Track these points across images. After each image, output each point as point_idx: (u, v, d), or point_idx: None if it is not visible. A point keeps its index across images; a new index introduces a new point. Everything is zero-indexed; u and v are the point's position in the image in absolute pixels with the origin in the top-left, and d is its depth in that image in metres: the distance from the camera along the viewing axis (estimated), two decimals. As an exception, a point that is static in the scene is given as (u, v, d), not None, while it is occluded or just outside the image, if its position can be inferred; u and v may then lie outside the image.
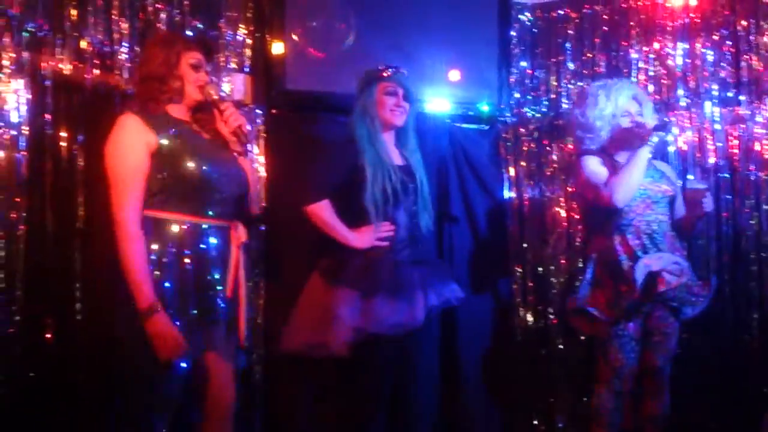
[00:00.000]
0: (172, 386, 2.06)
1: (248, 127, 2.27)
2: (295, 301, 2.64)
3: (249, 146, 2.38)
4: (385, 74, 2.66)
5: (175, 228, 2.07)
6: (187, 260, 2.06)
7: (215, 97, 2.21)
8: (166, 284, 2.03)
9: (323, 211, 2.56)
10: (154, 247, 2.04)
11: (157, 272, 2.02)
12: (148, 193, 2.07)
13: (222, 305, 2.12)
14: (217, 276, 2.11)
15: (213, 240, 2.11)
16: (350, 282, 2.51)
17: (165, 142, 2.08)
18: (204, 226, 2.10)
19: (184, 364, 2.04)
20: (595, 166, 2.69)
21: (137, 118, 2.09)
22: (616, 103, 2.69)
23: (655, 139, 2.60)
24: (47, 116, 2.54)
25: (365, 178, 2.54)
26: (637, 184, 2.59)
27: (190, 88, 2.16)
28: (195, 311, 2.06)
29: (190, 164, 2.08)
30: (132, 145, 2.05)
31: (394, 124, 2.67)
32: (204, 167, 2.10)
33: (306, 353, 2.55)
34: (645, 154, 2.59)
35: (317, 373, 2.90)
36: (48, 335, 2.49)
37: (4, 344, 2.37)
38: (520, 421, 3.36)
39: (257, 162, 3.10)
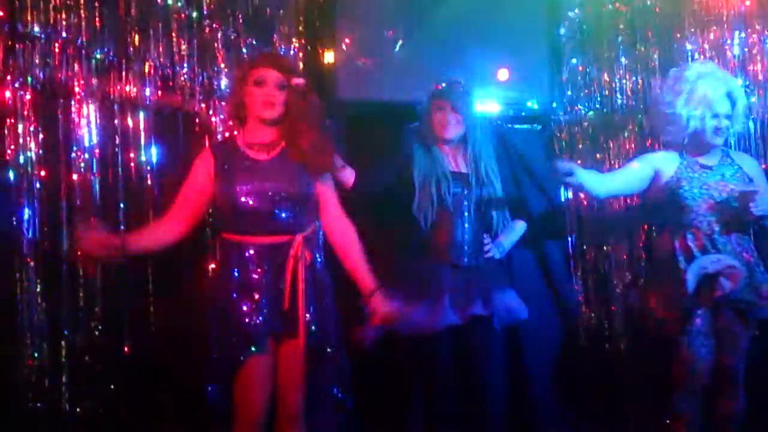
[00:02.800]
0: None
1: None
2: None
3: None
4: (436, 91, 2.76)
5: (240, 248, 2.16)
6: (252, 275, 2.14)
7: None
8: (234, 294, 2.13)
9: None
10: (226, 264, 2.17)
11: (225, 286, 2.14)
12: (219, 216, 2.21)
13: (279, 316, 2.15)
14: (267, 291, 2.15)
15: (270, 256, 2.15)
16: (386, 280, 2.53)
17: (218, 169, 2.18)
18: (259, 245, 2.15)
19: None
20: (630, 164, 2.67)
21: (208, 150, 2.25)
22: (707, 100, 2.57)
23: None
24: (116, 138, 2.64)
25: (414, 188, 2.64)
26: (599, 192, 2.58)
27: (255, 104, 2.19)
28: (261, 318, 2.13)
29: (238, 188, 2.15)
30: (194, 166, 2.22)
31: (444, 137, 2.75)
32: (246, 184, 2.15)
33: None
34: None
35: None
36: (126, 348, 2.60)
37: (86, 359, 2.49)
38: (591, 424, 3.33)
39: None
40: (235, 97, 2.22)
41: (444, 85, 2.77)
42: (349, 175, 2.69)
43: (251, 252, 2.14)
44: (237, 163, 2.18)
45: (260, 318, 2.11)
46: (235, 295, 2.12)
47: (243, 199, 2.14)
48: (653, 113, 2.80)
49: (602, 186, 2.64)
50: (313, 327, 2.16)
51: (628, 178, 2.69)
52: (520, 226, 2.88)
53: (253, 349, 2.09)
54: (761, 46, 3.21)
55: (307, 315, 2.14)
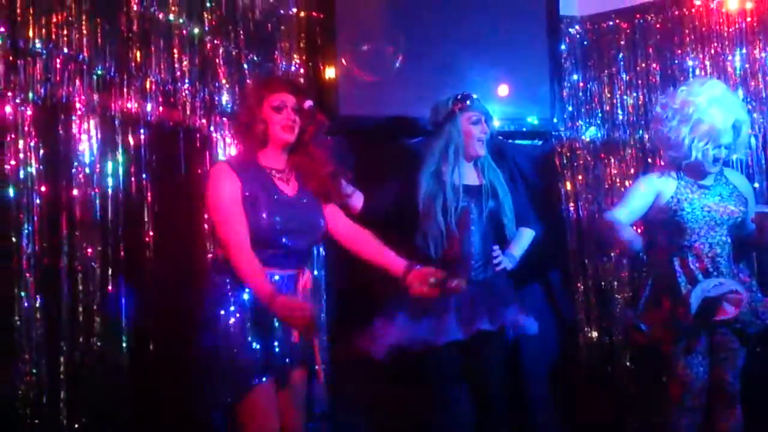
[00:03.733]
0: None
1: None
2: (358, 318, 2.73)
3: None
4: (465, 103, 2.73)
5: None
6: (257, 306, 2.13)
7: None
8: (231, 320, 2.12)
9: None
10: (229, 287, 2.15)
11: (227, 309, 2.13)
12: None
13: (295, 346, 2.19)
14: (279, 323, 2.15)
15: (282, 286, 2.18)
16: (395, 296, 2.60)
17: (246, 191, 2.16)
18: (270, 274, 2.16)
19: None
20: (636, 189, 2.64)
21: (227, 165, 2.20)
22: (714, 132, 2.53)
23: None
24: (117, 154, 2.64)
25: (417, 216, 2.65)
26: (610, 247, 2.52)
27: (275, 129, 2.22)
28: (259, 346, 2.13)
29: (264, 215, 2.16)
30: (225, 186, 2.16)
31: (480, 154, 2.75)
32: (276, 218, 2.17)
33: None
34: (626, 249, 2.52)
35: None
36: (125, 365, 2.58)
37: (84, 374, 2.48)
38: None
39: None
40: (258, 122, 2.21)
41: (470, 98, 2.75)
42: (356, 200, 2.70)
43: (276, 280, 2.16)
44: (269, 193, 2.20)
45: (277, 347, 2.15)
46: (248, 322, 2.13)
47: (274, 230, 2.16)
48: (655, 132, 2.77)
49: (631, 230, 2.58)
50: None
51: (640, 204, 2.64)
52: (528, 234, 2.87)
53: (266, 377, 2.11)
54: (762, 62, 3.22)
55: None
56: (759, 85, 3.23)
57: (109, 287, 2.56)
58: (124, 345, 2.59)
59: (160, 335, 2.66)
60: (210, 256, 2.66)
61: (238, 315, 2.13)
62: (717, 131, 2.55)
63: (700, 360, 2.53)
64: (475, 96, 2.78)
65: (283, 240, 2.18)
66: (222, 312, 2.14)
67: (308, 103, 2.26)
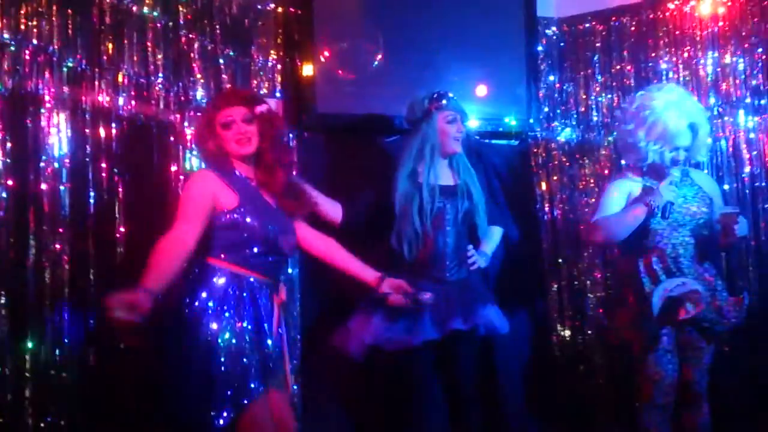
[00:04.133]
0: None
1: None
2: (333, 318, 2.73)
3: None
4: (441, 102, 2.72)
5: (235, 278, 2.15)
6: (244, 312, 2.13)
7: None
8: (220, 328, 2.09)
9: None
10: (215, 292, 2.13)
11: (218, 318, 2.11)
12: (217, 242, 2.16)
13: (275, 350, 2.18)
14: (266, 326, 2.17)
15: (263, 295, 2.19)
16: (370, 295, 2.60)
17: (241, 200, 2.16)
18: (253, 280, 2.17)
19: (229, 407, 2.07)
20: (610, 195, 2.66)
21: (213, 174, 2.20)
22: (669, 134, 2.57)
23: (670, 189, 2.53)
24: (88, 148, 2.60)
25: (394, 214, 2.65)
26: (623, 234, 2.56)
27: (230, 146, 2.22)
28: (246, 359, 2.10)
29: (257, 224, 2.16)
30: (199, 193, 2.16)
31: (456, 151, 2.75)
32: (269, 227, 2.19)
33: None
34: (641, 210, 2.53)
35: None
36: (93, 362, 2.54)
37: (51, 371, 2.43)
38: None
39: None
40: (211, 142, 2.22)
41: (446, 97, 2.74)
42: (335, 213, 2.68)
43: (252, 282, 2.16)
44: (258, 201, 2.22)
45: (268, 351, 2.15)
46: (243, 324, 2.11)
47: (268, 238, 2.17)
48: (616, 136, 2.82)
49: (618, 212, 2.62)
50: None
51: (617, 209, 2.65)
52: (497, 232, 2.88)
53: (261, 385, 2.09)
54: (733, 66, 3.27)
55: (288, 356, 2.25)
56: (729, 89, 3.28)
57: (78, 283, 2.52)
58: (91, 343, 2.55)
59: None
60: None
61: (225, 323, 2.10)
62: (671, 133, 2.59)
63: (669, 358, 2.56)
64: (451, 95, 2.78)
65: (273, 247, 2.20)
66: (210, 319, 2.10)
67: (260, 109, 2.25)
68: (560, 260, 3.45)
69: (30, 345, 2.40)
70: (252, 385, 2.07)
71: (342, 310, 2.73)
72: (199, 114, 2.35)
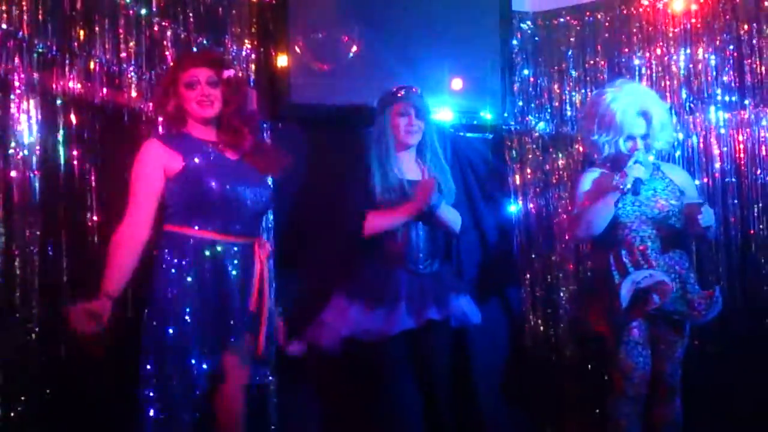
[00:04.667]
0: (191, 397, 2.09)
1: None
2: (306, 310, 2.73)
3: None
4: (397, 95, 2.76)
5: (197, 244, 2.14)
6: (208, 275, 2.12)
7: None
8: (187, 298, 2.10)
9: (375, 221, 2.64)
10: (177, 261, 2.11)
11: (178, 286, 2.10)
12: (173, 209, 2.15)
13: (244, 318, 2.17)
14: (238, 291, 2.16)
15: (236, 256, 2.17)
16: (344, 287, 2.67)
17: (188, 162, 2.15)
18: (225, 242, 2.16)
19: (205, 366, 2.08)
20: (582, 187, 2.70)
21: (158, 142, 2.18)
22: (617, 124, 2.62)
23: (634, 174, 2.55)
24: (59, 135, 2.57)
25: (374, 199, 2.66)
26: (601, 225, 2.59)
27: (191, 106, 2.21)
28: (213, 327, 2.11)
29: (214, 184, 2.14)
30: (148, 170, 2.15)
31: (408, 143, 2.77)
32: (227, 187, 2.16)
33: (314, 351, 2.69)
34: (612, 197, 2.57)
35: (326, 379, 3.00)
36: (63, 352, 2.52)
37: (21, 360, 2.40)
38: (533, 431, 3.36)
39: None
40: (171, 99, 2.21)
41: (404, 90, 2.77)
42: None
43: (222, 249, 2.14)
44: (213, 160, 2.19)
45: (242, 315, 2.15)
46: (209, 290, 2.12)
47: (226, 197, 2.14)
48: (580, 137, 2.89)
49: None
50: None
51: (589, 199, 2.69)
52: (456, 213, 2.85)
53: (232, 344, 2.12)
54: (705, 63, 3.31)
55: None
56: (701, 86, 3.32)
57: (49, 272, 2.50)
58: (62, 333, 2.52)
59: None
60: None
61: (189, 291, 2.10)
62: (620, 122, 2.63)
63: (640, 351, 2.58)
64: (414, 89, 2.79)
65: (237, 205, 2.17)
66: (173, 291, 2.10)
67: (227, 73, 2.24)
68: (533, 254, 3.48)
69: (-1, 334, 2.38)
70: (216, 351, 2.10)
71: (318, 301, 2.74)
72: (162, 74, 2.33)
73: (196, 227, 2.15)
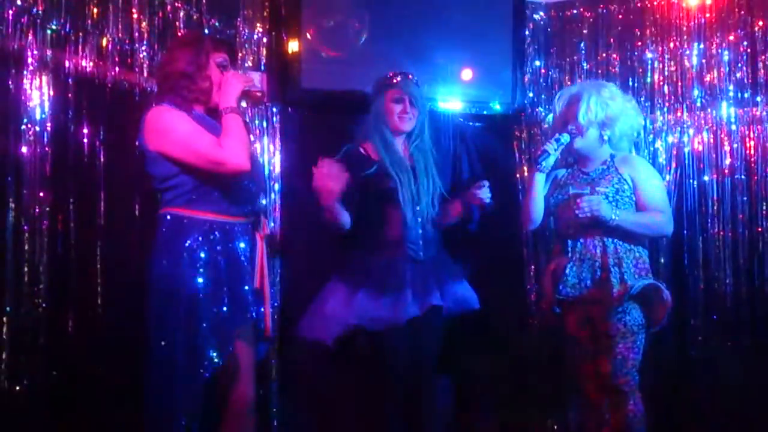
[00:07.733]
0: (197, 383, 2.10)
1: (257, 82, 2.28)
2: (307, 296, 2.71)
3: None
4: (392, 81, 2.75)
5: (205, 226, 2.13)
6: (219, 258, 2.13)
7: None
8: (200, 280, 2.09)
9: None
10: (187, 244, 2.10)
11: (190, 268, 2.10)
12: (180, 191, 2.14)
13: (251, 299, 2.19)
14: (246, 271, 2.17)
15: (242, 236, 2.18)
16: (345, 277, 2.63)
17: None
18: (233, 223, 2.17)
19: (215, 356, 2.09)
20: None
21: (168, 105, 2.15)
22: (557, 118, 2.77)
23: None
24: (70, 113, 2.58)
25: (395, 183, 2.65)
26: (536, 211, 2.71)
27: (214, 88, 2.19)
28: (226, 308, 2.12)
29: None
30: (175, 116, 2.12)
31: (401, 129, 2.76)
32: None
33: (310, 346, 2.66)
34: (535, 177, 2.69)
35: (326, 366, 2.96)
36: (70, 328, 2.54)
37: (29, 336, 2.42)
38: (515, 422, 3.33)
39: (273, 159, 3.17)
40: (204, 77, 2.17)
41: (401, 76, 2.76)
42: (344, 221, 2.62)
43: (229, 228, 2.16)
44: (217, 135, 2.16)
45: (250, 294, 2.17)
46: (219, 270, 2.12)
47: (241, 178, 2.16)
48: None
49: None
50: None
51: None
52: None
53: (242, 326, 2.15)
54: (718, 58, 3.29)
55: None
56: (713, 81, 3.31)
57: (57, 248, 2.52)
58: (70, 308, 2.55)
59: (108, 298, 2.62)
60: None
61: (202, 272, 2.09)
62: (558, 119, 2.74)
63: (582, 347, 2.63)
64: (410, 76, 2.78)
65: (240, 183, 2.18)
66: (185, 271, 2.09)
67: (219, 58, 2.24)
68: (538, 245, 3.47)
69: (8, 309, 2.39)
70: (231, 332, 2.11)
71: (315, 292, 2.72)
72: (184, 42, 2.28)
73: (204, 209, 2.14)
